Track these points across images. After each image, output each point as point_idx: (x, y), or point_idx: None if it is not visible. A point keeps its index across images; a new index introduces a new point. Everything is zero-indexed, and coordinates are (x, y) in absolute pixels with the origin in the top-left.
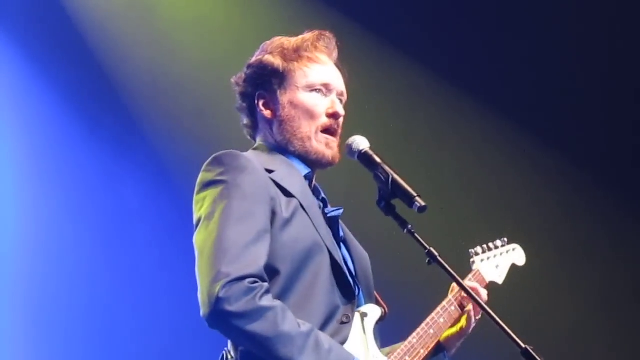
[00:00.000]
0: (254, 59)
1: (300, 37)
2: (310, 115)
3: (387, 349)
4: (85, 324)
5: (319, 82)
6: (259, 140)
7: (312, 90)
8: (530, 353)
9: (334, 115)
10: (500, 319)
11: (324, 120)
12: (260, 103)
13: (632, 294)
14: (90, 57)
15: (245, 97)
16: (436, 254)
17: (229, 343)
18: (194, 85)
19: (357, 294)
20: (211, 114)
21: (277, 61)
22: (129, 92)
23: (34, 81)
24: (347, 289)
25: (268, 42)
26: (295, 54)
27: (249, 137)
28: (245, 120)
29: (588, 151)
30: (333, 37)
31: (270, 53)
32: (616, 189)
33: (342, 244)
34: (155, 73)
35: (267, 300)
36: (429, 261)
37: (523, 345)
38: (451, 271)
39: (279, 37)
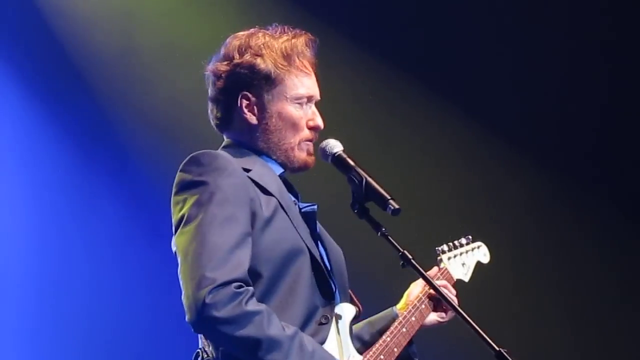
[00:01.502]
0: (241, 58)
1: (287, 38)
2: (296, 128)
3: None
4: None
5: (305, 94)
6: (228, 137)
7: (297, 102)
8: (504, 355)
9: (315, 128)
10: (474, 321)
11: (306, 133)
12: (244, 104)
13: (604, 288)
14: (57, 49)
15: (225, 93)
16: (410, 256)
17: (201, 341)
18: (164, 81)
19: (334, 294)
20: (182, 111)
21: (268, 66)
22: (98, 89)
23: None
24: (327, 289)
25: (249, 35)
26: (286, 61)
27: (214, 127)
28: (218, 113)
29: (561, 150)
30: (316, 41)
31: (260, 55)
32: (586, 186)
33: (318, 242)
34: (124, 67)
35: (253, 305)
36: (402, 264)
37: (497, 348)
38: (425, 274)
39: (262, 33)
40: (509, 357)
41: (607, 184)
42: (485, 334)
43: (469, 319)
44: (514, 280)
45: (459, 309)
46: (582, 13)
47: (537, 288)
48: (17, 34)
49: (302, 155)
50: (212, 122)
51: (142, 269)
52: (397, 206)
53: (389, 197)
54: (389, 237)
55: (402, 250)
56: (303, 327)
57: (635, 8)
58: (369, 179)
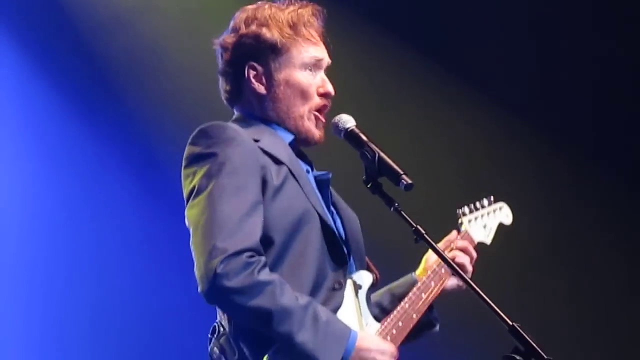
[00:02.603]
0: (246, 29)
1: (293, 9)
2: (305, 95)
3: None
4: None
5: (313, 60)
6: (238, 111)
7: (306, 69)
8: (518, 330)
9: (325, 95)
10: (488, 295)
11: (317, 101)
12: (252, 75)
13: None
14: (73, 36)
15: (231, 65)
16: (423, 231)
17: (219, 315)
18: (178, 64)
19: (348, 259)
20: (194, 89)
21: (274, 35)
22: (113, 72)
23: (16, 66)
24: (339, 255)
25: (255, 7)
26: (292, 30)
27: (225, 102)
28: (228, 87)
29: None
30: (322, 10)
31: (266, 25)
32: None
33: (332, 209)
34: (139, 51)
35: (265, 274)
36: (415, 239)
37: (510, 323)
38: (438, 249)
39: (268, 5)
40: (523, 332)
41: (620, 159)
42: (498, 308)
43: (479, 290)
44: (527, 252)
45: (469, 280)
46: None
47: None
48: (26, 14)
49: (311, 126)
50: (223, 97)
51: (159, 249)
52: (410, 181)
53: (402, 172)
54: (402, 212)
55: (415, 225)
56: (313, 292)
57: None
58: (382, 155)
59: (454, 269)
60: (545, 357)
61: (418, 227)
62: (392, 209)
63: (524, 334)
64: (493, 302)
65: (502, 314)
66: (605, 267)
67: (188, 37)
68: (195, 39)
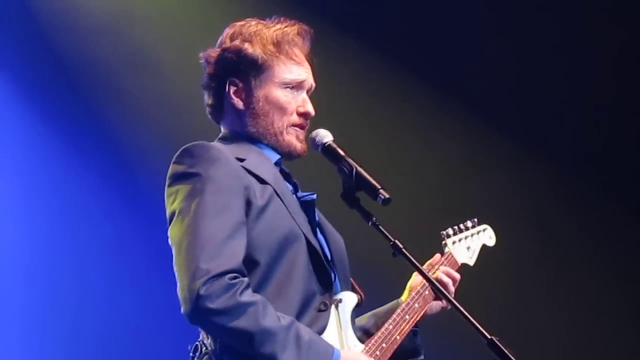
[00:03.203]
0: (231, 43)
1: (279, 28)
2: (283, 111)
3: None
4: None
5: (294, 81)
6: (224, 128)
7: (286, 87)
8: (496, 344)
9: (304, 115)
10: (467, 310)
11: (295, 118)
12: (232, 90)
13: (607, 276)
14: (44, 42)
15: (214, 78)
16: (401, 245)
17: (202, 334)
18: (158, 73)
19: (333, 280)
20: (175, 102)
21: (256, 52)
22: (89, 80)
23: None
24: (325, 275)
25: (243, 23)
26: (275, 48)
27: (209, 117)
28: (210, 101)
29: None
30: (309, 31)
31: (249, 41)
32: (588, 178)
33: (317, 229)
34: (117, 59)
35: (248, 296)
36: (394, 253)
37: (488, 336)
38: (415, 263)
39: (255, 22)
40: (500, 345)
41: (605, 175)
42: (478, 323)
43: (458, 305)
44: (510, 270)
45: (447, 295)
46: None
47: (533, 278)
48: (8, 34)
49: (291, 139)
50: (207, 112)
51: (140, 264)
52: (387, 195)
53: (380, 187)
54: (380, 227)
55: (393, 239)
56: (300, 314)
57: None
58: (359, 169)
59: (433, 283)
60: None
61: (396, 241)
62: (369, 223)
63: (502, 347)
64: (472, 317)
65: (480, 327)
66: (589, 277)
67: (170, 47)
68: (177, 50)
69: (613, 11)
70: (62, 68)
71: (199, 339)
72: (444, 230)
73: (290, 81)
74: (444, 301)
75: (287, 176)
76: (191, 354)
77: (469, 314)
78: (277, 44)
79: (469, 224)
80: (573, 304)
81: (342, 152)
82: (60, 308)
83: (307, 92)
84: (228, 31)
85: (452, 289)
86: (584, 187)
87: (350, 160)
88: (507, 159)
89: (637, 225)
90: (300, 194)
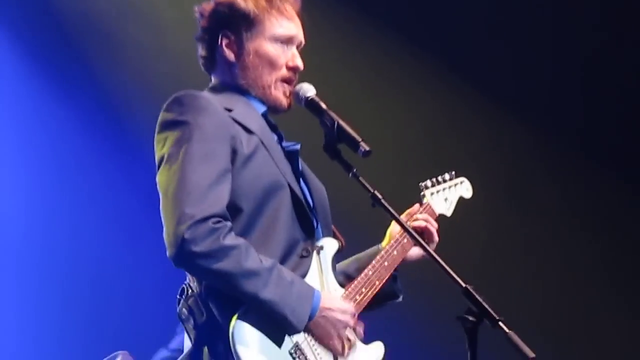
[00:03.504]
0: None
1: None
2: (273, 66)
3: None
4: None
5: (285, 35)
6: (215, 79)
7: (276, 42)
8: (471, 292)
9: (293, 69)
10: (444, 259)
11: (284, 72)
12: (224, 42)
13: (584, 234)
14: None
15: (207, 31)
16: (380, 196)
17: (188, 277)
18: (152, 24)
19: (315, 227)
20: (168, 53)
21: (248, 6)
22: (82, 29)
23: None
24: (307, 223)
25: None
26: (267, 3)
27: (202, 68)
28: (203, 52)
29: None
30: None
31: None
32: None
33: (300, 178)
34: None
35: (231, 239)
36: (372, 204)
37: (463, 284)
38: (394, 213)
39: None
40: (475, 293)
41: (584, 132)
42: (453, 271)
43: (434, 254)
44: (488, 220)
45: (424, 244)
46: None
47: (510, 231)
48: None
49: (278, 94)
50: (200, 63)
51: (130, 209)
52: (368, 148)
53: (360, 140)
54: (360, 178)
55: (372, 190)
56: (284, 259)
57: None
58: (341, 122)
59: (410, 233)
60: (497, 317)
61: (375, 192)
62: (350, 174)
63: (476, 295)
64: (448, 267)
65: (455, 276)
66: (565, 232)
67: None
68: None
69: None
70: (55, 16)
71: (185, 282)
72: (423, 182)
73: (281, 35)
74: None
75: (273, 127)
76: (177, 296)
77: (445, 263)
78: (269, 0)
79: (447, 176)
80: (548, 258)
81: (324, 106)
82: (54, 255)
83: (297, 47)
84: None
85: (435, 237)
86: (562, 143)
87: (332, 114)
88: (486, 115)
89: (613, 182)
90: (285, 143)
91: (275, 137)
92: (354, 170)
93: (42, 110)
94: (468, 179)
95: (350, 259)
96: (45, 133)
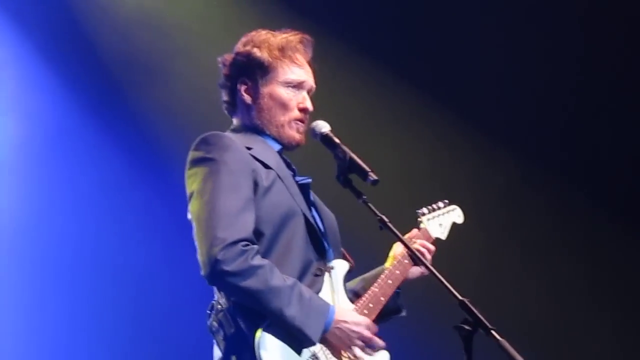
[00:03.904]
0: (242, 49)
1: (285, 36)
2: (285, 107)
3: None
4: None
5: (295, 80)
6: (235, 121)
7: (288, 86)
8: (467, 304)
9: (304, 110)
10: (442, 275)
11: (296, 113)
12: (242, 88)
13: (571, 253)
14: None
15: (229, 79)
16: (386, 220)
17: (216, 294)
18: (185, 68)
19: (327, 249)
20: (196, 95)
21: (263, 55)
22: (125, 76)
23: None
24: (319, 246)
25: (255, 33)
26: (280, 53)
27: (225, 112)
28: (226, 97)
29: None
30: (311, 41)
31: (258, 47)
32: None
33: (312, 208)
34: (148, 51)
35: (258, 260)
36: (380, 227)
37: (460, 297)
38: (399, 234)
39: (265, 32)
40: (471, 306)
41: (569, 159)
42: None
43: (433, 270)
44: (482, 242)
45: (424, 261)
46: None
47: (502, 253)
48: (49, 29)
49: (291, 132)
50: (223, 107)
51: (165, 241)
52: (375, 177)
53: (369, 170)
54: (369, 204)
55: (379, 215)
56: (300, 277)
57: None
58: (352, 154)
59: (413, 252)
60: (490, 326)
61: (382, 216)
62: (360, 200)
63: (472, 307)
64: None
65: (452, 289)
66: (554, 254)
67: (196, 47)
68: (202, 50)
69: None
70: (97, 55)
71: (214, 299)
72: (420, 209)
73: (292, 81)
74: (422, 267)
75: (287, 164)
76: (208, 311)
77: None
78: (282, 50)
79: (441, 204)
80: (540, 278)
81: (337, 140)
82: (100, 275)
83: (308, 92)
84: (242, 39)
85: (429, 257)
86: (549, 171)
87: (345, 147)
88: (479, 147)
89: (596, 206)
90: (298, 178)
91: (290, 172)
92: (364, 196)
93: (89, 141)
94: (464, 205)
95: (357, 278)
96: (91, 162)
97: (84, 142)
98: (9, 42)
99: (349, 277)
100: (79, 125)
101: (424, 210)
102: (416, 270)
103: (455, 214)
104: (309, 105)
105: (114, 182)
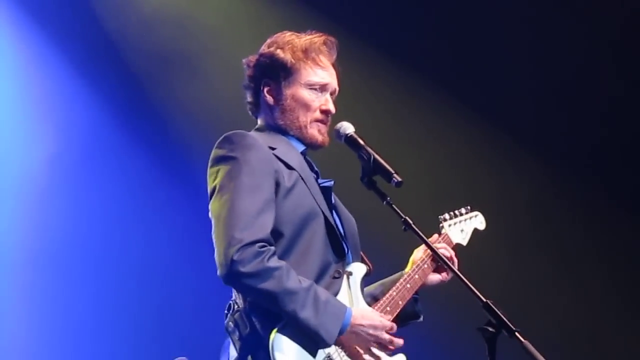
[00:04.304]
0: (266, 50)
1: (309, 38)
2: (308, 108)
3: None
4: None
5: (318, 83)
6: (260, 121)
7: (311, 88)
8: (491, 306)
9: (326, 112)
10: (465, 277)
11: (318, 115)
12: (265, 89)
13: (597, 261)
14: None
15: (252, 80)
16: (410, 222)
17: (234, 294)
18: (207, 68)
19: (346, 252)
20: (221, 96)
21: (286, 57)
22: (143, 69)
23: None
24: (339, 248)
25: (279, 35)
26: (303, 54)
27: (250, 113)
28: (250, 98)
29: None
30: (335, 42)
31: (282, 48)
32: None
33: (333, 211)
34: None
35: (274, 262)
36: (404, 228)
37: (484, 299)
38: (423, 236)
39: (290, 33)
40: (494, 308)
41: (597, 169)
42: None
43: (458, 272)
44: (505, 246)
45: (449, 263)
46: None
47: (527, 261)
48: (76, 36)
49: (314, 132)
50: (247, 108)
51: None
52: (400, 179)
53: (393, 172)
54: (393, 206)
55: (404, 216)
56: (318, 279)
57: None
58: (376, 156)
59: (436, 254)
60: (514, 328)
61: (406, 218)
62: (384, 202)
63: (496, 309)
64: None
65: (476, 291)
66: (580, 262)
67: (222, 47)
68: (227, 51)
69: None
70: (121, 55)
71: (231, 299)
72: (442, 215)
73: (315, 83)
74: (443, 274)
75: (310, 165)
76: (225, 311)
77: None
78: (305, 51)
79: (463, 210)
80: (564, 280)
81: (362, 142)
82: (125, 276)
83: (332, 94)
84: (267, 41)
85: (454, 262)
86: (575, 180)
87: (369, 149)
88: (506, 153)
89: (623, 214)
90: (320, 180)
91: (313, 174)
92: (388, 198)
93: (115, 142)
94: (487, 210)
95: (376, 283)
96: (117, 162)
97: (110, 144)
98: (33, 44)
99: (367, 281)
100: (104, 125)
101: (446, 215)
102: (435, 277)
103: (477, 220)
104: (331, 107)
105: (138, 182)
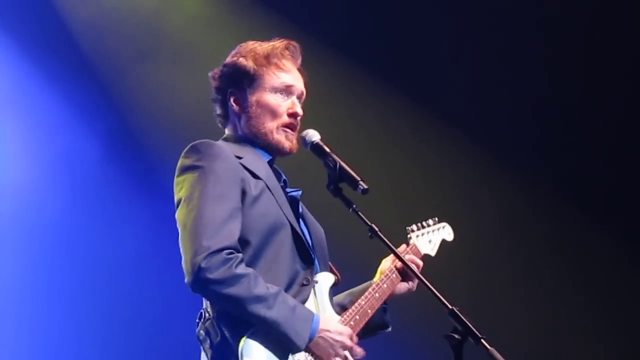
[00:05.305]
0: (229, 60)
1: (271, 44)
2: (274, 113)
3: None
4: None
5: (282, 86)
6: (227, 131)
7: (276, 92)
8: (457, 313)
9: (293, 115)
10: (432, 285)
11: (285, 119)
12: (232, 99)
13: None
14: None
15: (219, 91)
16: (377, 229)
17: (204, 302)
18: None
19: (314, 261)
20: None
21: (249, 64)
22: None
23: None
24: (306, 257)
25: (243, 44)
26: (265, 60)
27: (219, 125)
28: (218, 110)
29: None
30: (298, 46)
31: (244, 56)
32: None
33: (301, 220)
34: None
35: (242, 269)
36: (370, 235)
37: (450, 306)
38: (389, 243)
39: (253, 42)
40: (460, 315)
41: (562, 175)
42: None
43: (423, 278)
44: (471, 254)
45: (416, 271)
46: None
47: (496, 267)
48: (41, 38)
49: (280, 138)
50: (217, 121)
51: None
52: (366, 186)
53: (359, 179)
54: (359, 213)
55: (370, 224)
56: (287, 287)
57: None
58: (342, 163)
59: (404, 262)
60: (480, 335)
61: (372, 225)
62: (350, 209)
63: (462, 316)
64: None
65: (443, 299)
66: (548, 270)
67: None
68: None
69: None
70: (87, 62)
71: (202, 307)
72: (409, 226)
73: (279, 86)
74: (411, 283)
75: (278, 174)
76: (197, 320)
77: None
78: (267, 57)
79: (431, 221)
80: (529, 287)
81: (328, 149)
82: (93, 283)
83: (299, 98)
84: (231, 52)
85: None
86: (543, 188)
87: (335, 156)
88: (475, 162)
89: (590, 222)
90: (288, 189)
91: (280, 183)
92: (354, 205)
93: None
94: (455, 219)
95: (345, 292)
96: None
97: (78, 151)
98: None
99: (335, 291)
100: (73, 132)
101: (414, 227)
102: (403, 287)
103: (445, 232)
104: (298, 110)
105: (107, 190)
